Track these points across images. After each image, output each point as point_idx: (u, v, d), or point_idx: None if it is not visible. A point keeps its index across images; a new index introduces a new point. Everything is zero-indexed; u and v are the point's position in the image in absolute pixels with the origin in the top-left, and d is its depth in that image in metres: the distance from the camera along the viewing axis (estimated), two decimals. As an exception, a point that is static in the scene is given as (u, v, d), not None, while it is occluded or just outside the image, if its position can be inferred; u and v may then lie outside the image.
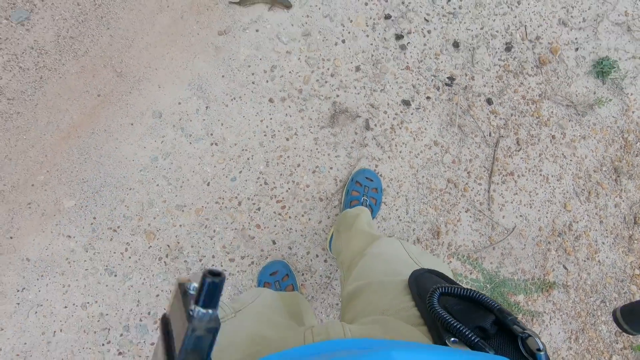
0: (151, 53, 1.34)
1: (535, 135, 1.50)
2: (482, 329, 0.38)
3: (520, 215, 1.47)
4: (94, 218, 1.26)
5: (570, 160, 1.52)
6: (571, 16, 1.56)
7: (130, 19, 1.34)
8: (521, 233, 1.47)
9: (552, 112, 1.52)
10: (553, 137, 1.51)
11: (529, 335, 0.35)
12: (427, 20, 1.47)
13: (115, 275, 1.25)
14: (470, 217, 1.44)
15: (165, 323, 0.30)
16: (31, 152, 1.26)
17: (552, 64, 1.53)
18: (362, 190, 1.30)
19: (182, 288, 0.30)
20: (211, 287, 0.25)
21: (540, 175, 1.49)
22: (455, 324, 0.37)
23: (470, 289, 0.43)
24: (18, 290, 1.21)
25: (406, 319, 0.45)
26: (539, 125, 1.50)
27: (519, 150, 1.48)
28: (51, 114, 1.27)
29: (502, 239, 1.44)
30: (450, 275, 0.61)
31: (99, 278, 1.25)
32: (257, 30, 1.39)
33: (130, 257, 1.26)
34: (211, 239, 1.30)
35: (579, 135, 1.53)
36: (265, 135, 1.35)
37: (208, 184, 1.32)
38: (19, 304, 1.21)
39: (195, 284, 0.29)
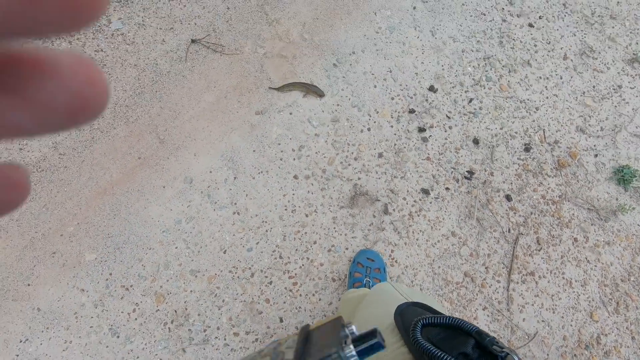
0: (193, 125, 1.47)
1: (556, 236, 1.48)
2: (465, 355, 0.39)
3: (542, 320, 1.39)
4: (110, 274, 1.29)
5: (595, 266, 1.46)
6: (589, 124, 1.63)
7: (180, 95, 1.51)
8: (544, 340, 1.37)
9: (573, 214, 1.51)
10: (575, 239, 1.48)
11: (508, 354, 0.36)
12: (448, 117, 1.57)
13: (118, 337, 1.23)
14: (488, 316, 1.37)
15: (306, 333, 0.32)
16: (68, 203, 1.34)
17: (572, 167, 1.56)
18: (364, 271, 1.29)
19: (340, 321, 0.31)
20: (376, 347, 0.27)
21: (563, 278, 1.44)
22: (439, 354, 0.38)
23: (449, 316, 0.45)
24: (21, 341, 1.20)
25: (395, 357, 0.46)
26: (560, 226, 1.49)
27: (539, 250, 1.45)
28: (94, 170, 1.38)
29: (522, 345, 1.35)
30: (440, 307, 0.61)
31: (101, 337, 1.23)
32: (290, 113, 1.52)
33: (136, 319, 1.25)
34: (219, 309, 1.28)
35: (603, 241, 1.49)
36: (286, 209, 1.40)
37: (225, 252, 1.34)
38: (17, 355, 1.19)
39: (355, 329, 0.30)
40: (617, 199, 1.55)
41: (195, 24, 1.61)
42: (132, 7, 1.59)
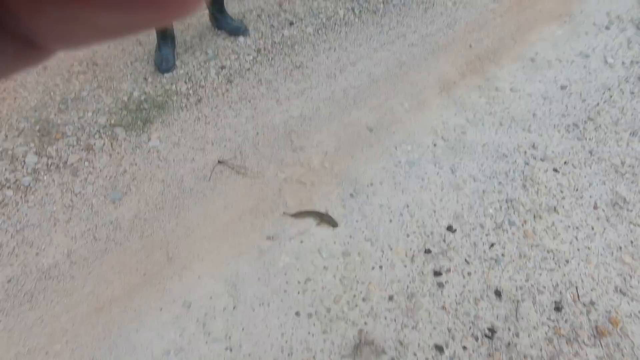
0: (203, 245, 1.48)
1: None
2: None
3: None
4: (82, 408, 1.18)
5: None
6: (630, 286, 1.46)
7: (197, 212, 1.55)
8: None
9: (620, 399, 1.26)
10: None
11: None
12: (467, 262, 1.48)
13: None
14: None
15: None
16: (63, 317, 1.32)
17: (613, 336, 1.36)
18: None
19: None
20: None
21: None
22: None
23: None
24: None
25: None
26: (605, 414, 1.24)
27: None
28: (97, 283, 1.38)
29: None
30: None
31: None
32: (301, 242, 1.50)
33: None
34: None
35: None
36: (282, 351, 1.28)
37: (208, 397, 1.21)
38: None
39: None
40: (675, 386, 1.29)
41: (225, 145, 1.73)
42: (171, 127, 1.76)
